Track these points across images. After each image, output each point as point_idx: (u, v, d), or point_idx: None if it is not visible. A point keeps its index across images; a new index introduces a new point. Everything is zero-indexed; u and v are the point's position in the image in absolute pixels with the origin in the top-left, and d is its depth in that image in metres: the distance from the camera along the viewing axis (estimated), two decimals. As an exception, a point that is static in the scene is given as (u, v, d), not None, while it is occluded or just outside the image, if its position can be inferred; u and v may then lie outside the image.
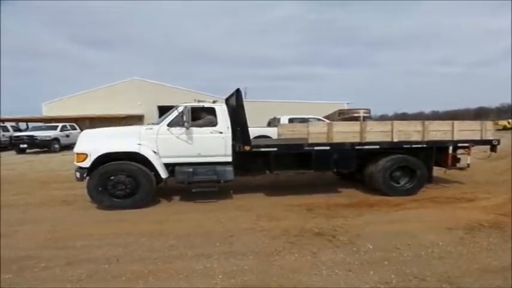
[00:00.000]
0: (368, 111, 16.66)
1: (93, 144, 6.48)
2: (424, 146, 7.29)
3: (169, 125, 6.66)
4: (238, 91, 6.76)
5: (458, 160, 7.79)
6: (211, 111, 6.87)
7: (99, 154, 6.29)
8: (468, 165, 7.75)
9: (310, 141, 7.05)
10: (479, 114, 62.50)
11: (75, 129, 21.63)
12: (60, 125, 21.06)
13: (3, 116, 26.53)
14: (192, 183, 6.65)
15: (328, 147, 7.03)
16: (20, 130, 24.07)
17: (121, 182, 6.31)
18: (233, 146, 6.81)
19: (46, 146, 19.11)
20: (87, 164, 6.31)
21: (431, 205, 6.37)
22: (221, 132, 6.73)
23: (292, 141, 7.28)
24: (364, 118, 14.36)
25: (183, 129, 6.58)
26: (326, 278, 3.50)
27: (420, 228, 4.97)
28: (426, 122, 7.44)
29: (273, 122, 14.99)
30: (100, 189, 6.30)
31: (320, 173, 8.55)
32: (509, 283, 3.32)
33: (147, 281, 3.49)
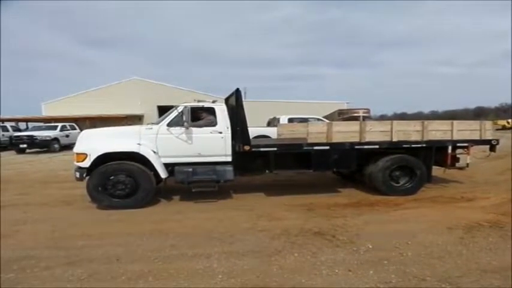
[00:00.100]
0: (367, 111, 16.62)
1: (92, 144, 6.49)
2: (424, 145, 7.30)
3: (169, 124, 6.66)
4: (237, 91, 6.76)
5: (457, 160, 7.80)
6: (211, 111, 6.87)
7: (99, 154, 6.29)
8: (467, 165, 7.77)
9: (310, 141, 7.06)
10: (479, 114, 62.61)
11: (75, 129, 21.62)
12: (59, 125, 21.07)
13: (3, 116, 26.51)
14: (191, 183, 6.65)
15: (327, 147, 7.03)
16: (19, 130, 24.06)
17: (121, 181, 6.31)
18: (233, 145, 6.81)
19: (46, 146, 19.11)
20: (86, 164, 6.31)
21: (431, 205, 6.37)
22: (221, 132, 6.73)
23: (291, 141, 7.28)
24: (364, 118, 14.35)
25: (183, 129, 6.59)
26: (326, 278, 3.50)
27: (420, 227, 4.98)
28: (425, 122, 7.45)
29: (273, 122, 14.99)
30: (100, 189, 6.30)
31: (320, 173, 8.56)
32: (508, 283, 3.33)
33: (147, 280, 3.50)
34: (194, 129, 6.64)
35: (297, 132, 7.48)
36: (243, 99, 6.96)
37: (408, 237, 4.57)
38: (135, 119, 27.53)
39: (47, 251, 4.32)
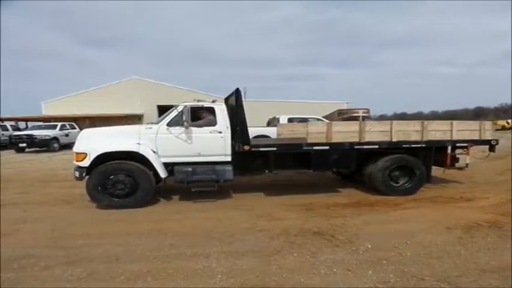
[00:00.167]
0: (367, 111, 16.61)
1: (92, 143, 6.49)
2: (423, 145, 7.31)
3: (169, 124, 6.66)
4: (237, 91, 6.76)
5: (457, 160, 7.81)
6: (211, 111, 6.88)
7: (99, 153, 6.29)
8: (467, 165, 7.77)
9: (310, 141, 7.06)
10: (478, 114, 62.59)
11: (75, 128, 21.62)
12: (59, 124, 21.06)
13: (3, 115, 26.51)
14: (191, 182, 6.65)
15: (327, 147, 7.04)
16: (19, 129, 24.05)
17: (120, 181, 6.31)
18: (232, 145, 6.81)
19: (45, 145, 19.11)
20: (86, 163, 6.31)
21: (430, 205, 6.38)
22: (220, 132, 6.74)
23: (291, 141, 7.28)
24: (364, 118, 14.35)
25: (183, 128, 6.58)
26: (325, 278, 3.51)
27: (419, 227, 4.98)
28: (425, 122, 7.46)
29: (273, 122, 14.99)
30: (99, 188, 6.30)
31: (319, 173, 8.56)
32: (507, 283, 3.33)
33: (146, 280, 3.50)
34: (194, 128, 6.64)
35: (297, 132, 7.47)
36: (243, 99, 6.96)
37: (407, 237, 4.57)
38: (134, 119, 27.55)
39: (46, 250, 4.33)
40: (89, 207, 6.43)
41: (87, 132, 7.19)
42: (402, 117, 63.11)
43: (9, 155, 17.82)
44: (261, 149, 6.92)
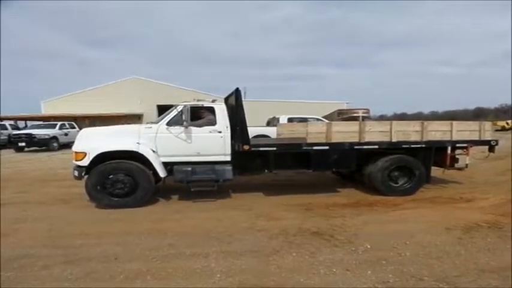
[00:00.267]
0: (367, 111, 16.65)
1: (91, 142, 6.48)
2: (423, 146, 7.30)
3: (169, 124, 6.65)
4: (237, 90, 6.75)
5: (456, 160, 7.80)
6: (211, 111, 6.87)
7: (98, 153, 6.28)
8: (467, 166, 7.77)
9: (309, 141, 7.06)
10: (478, 114, 62.62)
11: (74, 127, 21.60)
12: (59, 123, 21.06)
13: (2, 115, 26.50)
14: (190, 182, 6.64)
15: (327, 147, 7.03)
16: (18, 128, 24.03)
17: (119, 180, 6.30)
18: (232, 145, 6.81)
19: (44, 145, 19.11)
20: (85, 162, 6.31)
21: (430, 205, 6.37)
22: (220, 132, 6.73)
23: (291, 141, 7.28)
24: (363, 118, 14.36)
25: (182, 128, 6.58)
26: (324, 277, 3.50)
27: (418, 228, 4.98)
28: (425, 122, 7.45)
29: (272, 122, 14.99)
30: (98, 188, 6.29)
31: (319, 173, 8.56)
32: (506, 283, 3.33)
33: (145, 279, 3.50)
34: (193, 128, 6.64)
35: (297, 132, 7.47)
36: (243, 99, 6.95)
37: (406, 237, 4.57)
38: (134, 118, 27.54)
39: (45, 249, 4.32)
40: (88, 207, 6.42)
41: (87, 131, 7.18)
42: (402, 117, 63.16)
43: (8, 154, 17.81)
44: (261, 149, 6.91)
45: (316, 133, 7.13)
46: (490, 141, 7.71)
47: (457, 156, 7.79)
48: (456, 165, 7.78)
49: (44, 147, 19.10)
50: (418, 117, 62.92)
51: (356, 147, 7.13)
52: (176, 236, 4.76)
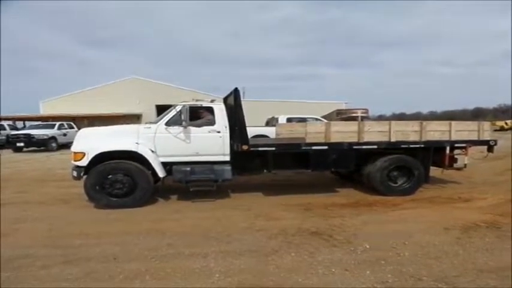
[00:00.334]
0: (366, 111, 16.70)
1: (90, 143, 6.47)
2: (422, 146, 7.31)
3: (167, 124, 6.65)
4: (236, 90, 6.75)
5: (455, 160, 7.79)
6: (210, 111, 6.87)
7: (97, 153, 6.27)
8: (465, 166, 7.78)
9: (308, 141, 7.06)
10: (477, 114, 62.74)
11: (73, 127, 21.57)
12: (57, 123, 21.01)
13: (1, 115, 26.44)
14: (189, 182, 6.64)
15: (326, 147, 7.03)
16: (16, 128, 24.00)
17: (118, 180, 6.30)
18: (231, 145, 6.81)
19: (43, 145, 19.08)
20: (84, 162, 6.30)
21: (429, 205, 6.38)
22: (219, 132, 6.73)
23: (290, 141, 7.28)
24: (362, 118, 14.40)
25: (181, 128, 6.58)
26: (323, 277, 3.50)
27: (417, 228, 4.99)
28: (424, 122, 7.47)
29: (271, 122, 14.99)
30: (97, 188, 6.29)
31: (318, 173, 8.56)
32: (505, 283, 3.33)
33: (144, 279, 3.49)
34: (192, 128, 6.64)
35: (296, 132, 7.47)
36: (242, 99, 6.95)
37: (405, 237, 4.57)
38: (133, 118, 27.52)
39: (44, 249, 4.31)
40: (87, 207, 6.41)
41: (86, 131, 7.18)
42: (401, 117, 63.27)
43: (6, 154, 17.77)
44: (260, 149, 6.91)
45: (315, 133, 7.13)
46: (488, 141, 7.73)
47: (455, 156, 7.80)
48: (455, 165, 7.79)
49: (42, 148, 19.06)
50: (417, 117, 63.06)
51: (355, 147, 7.13)
52: (175, 236, 4.76)
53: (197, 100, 7.27)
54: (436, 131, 7.40)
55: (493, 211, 5.81)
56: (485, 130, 7.72)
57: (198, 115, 6.88)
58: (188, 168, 6.62)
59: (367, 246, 4.28)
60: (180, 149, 6.61)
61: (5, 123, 23.96)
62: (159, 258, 3.99)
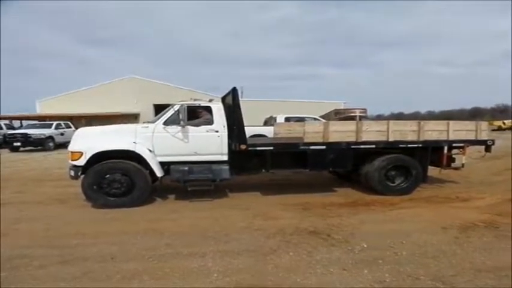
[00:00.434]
0: (364, 110, 16.66)
1: (88, 142, 6.45)
2: (420, 145, 7.33)
3: (165, 123, 6.63)
4: (234, 90, 6.74)
5: (453, 160, 7.83)
6: (208, 110, 6.86)
7: (94, 152, 6.25)
8: (463, 165, 7.80)
9: (306, 140, 7.06)
10: (475, 114, 62.94)
11: (70, 127, 21.45)
12: (54, 123, 20.90)
13: (-2, 114, 26.34)
14: (187, 181, 6.62)
15: (324, 147, 7.03)
16: (13, 128, 23.90)
17: (116, 180, 6.28)
18: (229, 144, 6.80)
19: (40, 144, 18.97)
20: (81, 162, 6.27)
21: (426, 205, 6.40)
22: (217, 131, 6.72)
23: (288, 141, 7.28)
24: (360, 118, 14.39)
25: (179, 127, 6.56)
26: (321, 277, 3.50)
27: (415, 227, 4.99)
28: (422, 122, 7.48)
29: (269, 121, 14.96)
30: (95, 187, 6.26)
31: (316, 173, 8.56)
32: (502, 283, 3.34)
33: (142, 279, 3.48)
34: (190, 127, 6.62)
35: (294, 131, 7.46)
36: (240, 98, 6.94)
37: (403, 236, 4.58)
38: (131, 118, 27.43)
39: (41, 249, 4.29)
40: (84, 207, 6.39)
41: (83, 131, 7.14)
42: (399, 117, 63.44)
43: (3, 154, 17.67)
44: (258, 149, 6.91)
45: (313, 133, 7.13)
46: (486, 141, 7.76)
47: (453, 156, 7.83)
48: (453, 164, 7.82)
49: (39, 147, 18.97)
50: (415, 116, 63.25)
51: (353, 146, 7.14)
52: (173, 235, 4.75)
53: (195, 99, 7.25)
54: (434, 131, 7.42)
55: (491, 211, 5.83)
56: (483, 130, 7.74)
57: (196, 114, 6.86)
58: (186, 168, 6.61)
59: (365, 246, 4.29)
60: (178, 148, 6.60)
61: (1, 122, 23.84)
62: (157, 258, 3.98)
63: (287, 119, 14.17)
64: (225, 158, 6.78)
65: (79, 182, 6.44)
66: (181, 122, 6.50)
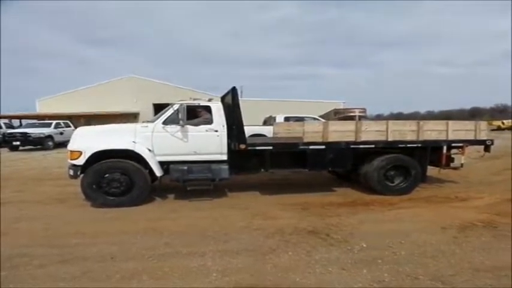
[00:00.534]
0: (363, 110, 16.64)
1: (87, 141, 6.44)
2: (419, 145, 7.34)
3: (165, 122, 6.63)
4: (233, 89, 6.74)
5: (452, 160, 7.84)
6: (207, 110, 6.86)
7: (94, 151, 6.25)
8: (462, 165, 7.82)
9: (306, 140, 7.06)
10: (474, 114, 62.98)
11: (69, 126, 21.43)
12: (54, 122, 20.87)
13: (-3, 113, 26.30)
14: (187, 181, 6.63)
15: (323, 147, 7.04)
16: (12, 127, 23.86)
17: (115, 179, 6.28)
18: (228, 144, 6.80)
19: (39, 144, 18.95)
20: (81, 161, 6.27)
21: (425, 204, 6.41)
22: (216, 131, 6.72)
23: (287, 140, 7.28)
24: (360, 117, 14.38)
25: (179, 127, 6.56)
26: (320, 277, 3.51)
27: (414, 227, 5.00)
28: (421, 122, 7.49)
29: (269, 121, 14.96)
30: (94, 187, 6.26)
31: (315, 172, 8.57)
32: (501, 282, 3.35)
33: (141, 279, 3.48)
34: (190, 127, 6.62)
35: (293, 131, 7.48)
36: (239, 98, 6.94)
37: (402, 236, 4.59)
38: (130, 117, 27.41)
39: (40, 248, 4.29)
40: (83, 206, 6.39)
41: (82, 130, 7.13)
42: (398, 117, 63.52)
43: (2, 153, 17.65)
44: (257, 148, 6.91)
45: (312, 132, 7.14)
46: (485, 140, 7.76)
47: (452, 156, 7.84)
48: (452, 164, 7.83)
49: (39, 146, 18.95)
50: (415, 116, 63.26)
51: (352, 146, 7.14)
52: (172, 235, 4.75)
53: (195, 99, 7.24)
54: (433, 131, 7.43)
55: (490, 210, 5.84)
56: (482, 130, 7.75)
57: (195, 114, 6.86)
58: (185, 167, 6.61)
59: (364, 245, 4.29)
60: (177, 148, 6.60)
61: (1, 121, 23.80)
62: (157, 258, 3.98)
63: (286, 119, 14.18)
64: (225, 157, 6.78)
65: (78, 181, 6.44)
66: (181, 122, 6.50)
